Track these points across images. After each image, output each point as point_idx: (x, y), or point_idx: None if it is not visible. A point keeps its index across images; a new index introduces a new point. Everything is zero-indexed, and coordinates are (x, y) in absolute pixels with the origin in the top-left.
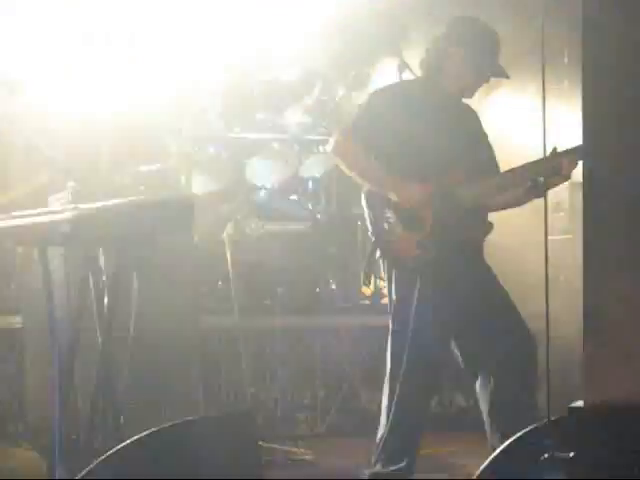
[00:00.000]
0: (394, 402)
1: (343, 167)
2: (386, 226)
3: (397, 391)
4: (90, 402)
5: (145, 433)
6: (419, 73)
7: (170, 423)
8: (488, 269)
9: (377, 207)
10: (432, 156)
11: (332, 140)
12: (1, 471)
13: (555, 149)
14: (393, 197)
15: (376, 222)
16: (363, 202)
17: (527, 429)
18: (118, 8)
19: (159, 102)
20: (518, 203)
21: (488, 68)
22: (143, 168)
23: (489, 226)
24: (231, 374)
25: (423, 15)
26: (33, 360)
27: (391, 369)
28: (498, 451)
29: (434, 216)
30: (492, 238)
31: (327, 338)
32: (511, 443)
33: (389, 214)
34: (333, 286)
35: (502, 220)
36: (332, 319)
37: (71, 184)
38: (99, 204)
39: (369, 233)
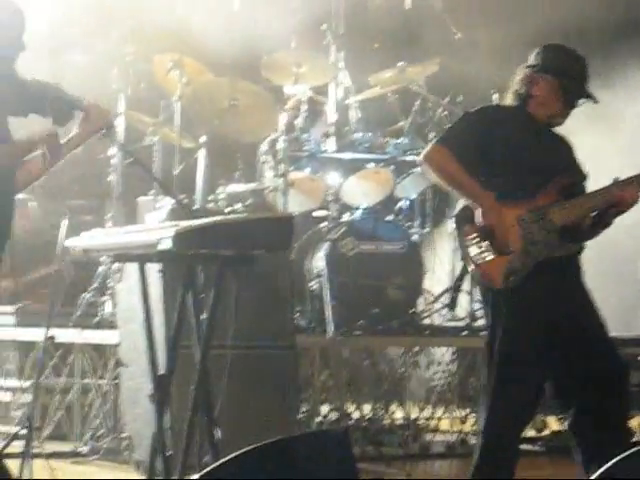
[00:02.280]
0: (489, 424)
1: (431, 173)
2: (475, 249)
3: (491, 415)
4: (187, 418)
5: (242, 450)
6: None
7: (267, 440)
8: (583, 291)
9: (466, 228)
10: (523, 177)
11: (423, 150)
12: None
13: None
14: (478, 207)
15: (465, 244)
16: (452, 224)
17: (625, 454)
18: None
19: (255, 119)
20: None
21: (577, 94)
22: (239, 187)
23: (580, 247)
24: (326, 392)
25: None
26: (129, 376)
27: (487, 393)
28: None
29: (524, 237)
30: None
31: (420, 358)
32: (609, 468)
33: (477, 236)
34: (427, 306)
35: None
36: (426, 339)
37: (169, 202)
38: (198, 221)
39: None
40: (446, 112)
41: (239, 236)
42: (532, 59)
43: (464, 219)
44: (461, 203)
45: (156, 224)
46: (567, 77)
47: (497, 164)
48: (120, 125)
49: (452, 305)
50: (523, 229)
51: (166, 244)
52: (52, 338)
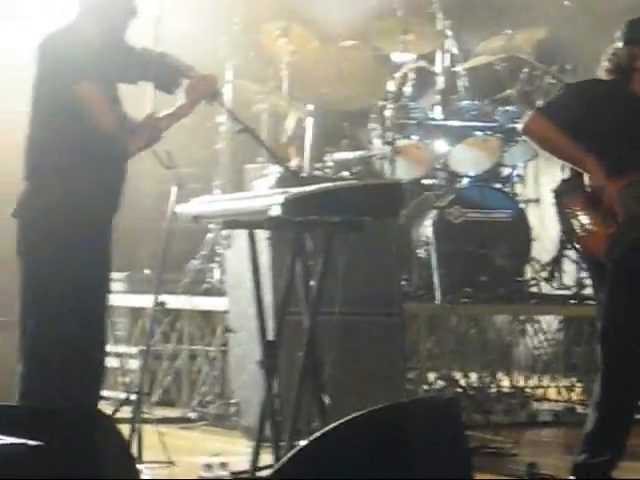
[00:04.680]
0: (603, 396)
1: (534, 143)
2: (577, 221)
3: (605, 385)
4: (296, 384)
5: (351, 416)
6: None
7: (375, 407)
8: None
9: (567, 202)
10: (623, 151)
11: (522, 120)
12: (204, 450)
13: None
14: (585, 173)
15: (566, 217)
16: (552, 197)
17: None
18: None
19: (362, 87)
20: None
21: None
22: (347, 155)
23: None
24: (432, 360)
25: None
26: (237, 342)
27: (600, 363)
28: None
29: (627, 209)
30: None
31: (527, 326)
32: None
33: (580, 208)
34: (534, 275)
35: None
36: (532, 308)
37: (276, 169)
38: (307, 188)
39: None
40: (554, 80)
41: (348, 203)
42: (631, 32)
43: (565, 192)
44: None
45: (265, 191)
46: None
47: (597, 138)
48: (228, 93)
49: (550, 278)
50: (626, 201)
51: (275, 211)
52: (162, 304)
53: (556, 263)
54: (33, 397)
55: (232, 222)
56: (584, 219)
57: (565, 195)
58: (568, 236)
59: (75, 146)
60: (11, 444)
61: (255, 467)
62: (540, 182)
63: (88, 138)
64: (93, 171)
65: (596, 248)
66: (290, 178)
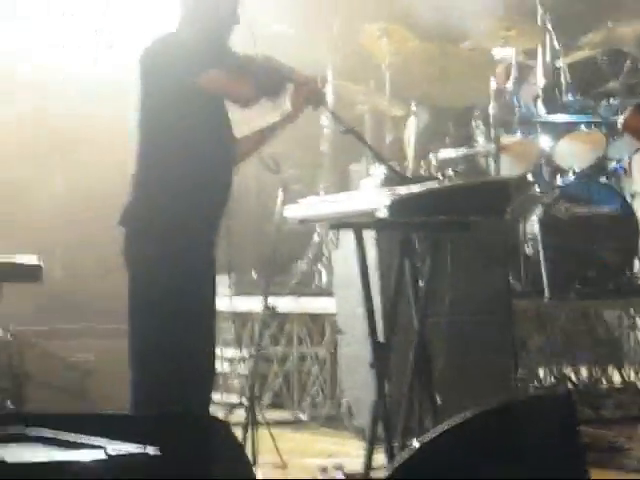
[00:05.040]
0: None
1: (634, 139)
2: None
3: None
4: (407, 384)
5: (464, 415)
6: None
7: (487, 405)
8: None
9: None
10: None
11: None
12: (316, 451)
13: None
14: None
15: None
16: None
17: None
18: None
19: (464, 84)
20: None
21: None
22: (451, 153)
23: None
24: (542, 356)
25: None
26: (347, 343)
27: None
28: None
29: None
30: None
31: (637, 321)
32: None
33: None
34: None
35: None
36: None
37: (381, 169)
38: (414, 188)
39: None
40: None
41: (454, 202)
42: None
43: None
44: None
45: (371, 192)
46: None
47: None
48: (329, 95)
49: None
50: None
51: (382, 212)
52: (273, 308)
53: None
54: (145, 404)
55: (339, 223)
56: None
57: None
58: None
59: (182, 155)
60: (131, 454)
61: (368, 468)
62: None
63: (199, 146)
64: (199, 178)
65: None
66: (395, 178)
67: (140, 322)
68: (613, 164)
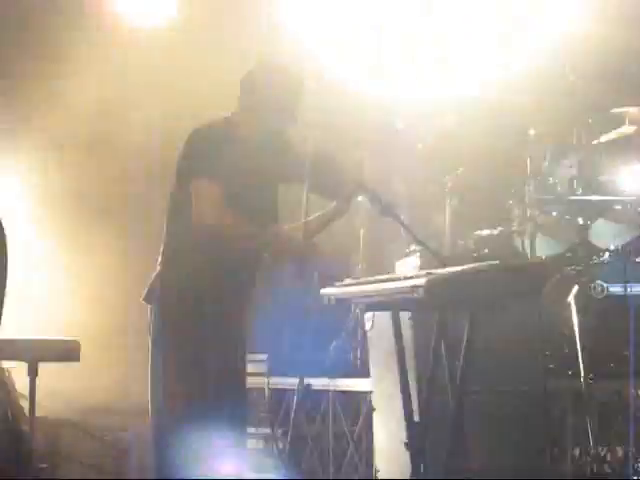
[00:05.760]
0: None
1: None
2: None
3: None
4: (442, 464)
5: None
6: None
7: None
8: None
9: None
10: None
11: None
12: None
13: None
14: None
15: None
16: None
17: None
18: None
19: (505, 166)
20: None
21: None
22: (486, 231)
23: None
24: (578, 436)
25: None
26: (382, 422)
27: None
28: None
29: None
30: None
31: None
32: None
33: None
34: None
35: None
36: None
37: (418, 248)
38: (451, 269)
39: None
40: None
41: (490, 283)
42: None
43: None
44: None
45: (407, 272)
46: None
47: None
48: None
49: None
50: None
51: (419, 293)
52: (308, 386)
53: None
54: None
55: (376, 305)
56: None
57: None
58: None
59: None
60: None
61: None
62: None
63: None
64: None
65: None
66: (432, 258)
67: (167, 402)
68: None
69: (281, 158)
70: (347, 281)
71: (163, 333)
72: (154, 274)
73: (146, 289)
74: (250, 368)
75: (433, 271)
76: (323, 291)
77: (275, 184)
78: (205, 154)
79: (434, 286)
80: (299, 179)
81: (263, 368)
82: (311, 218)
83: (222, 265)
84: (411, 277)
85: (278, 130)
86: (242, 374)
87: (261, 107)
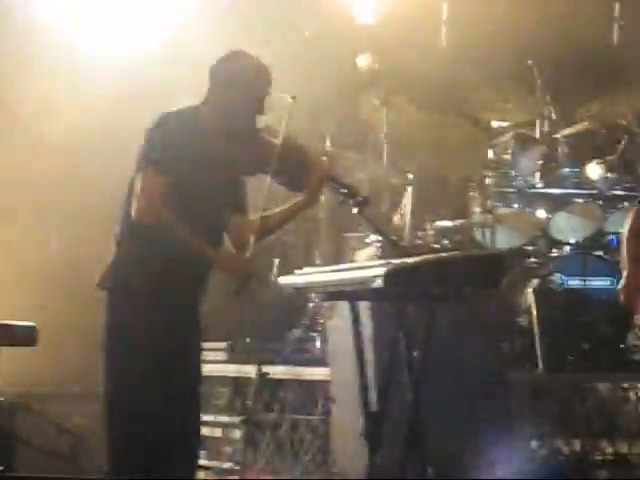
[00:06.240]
0: None
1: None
2: None
3: None
4: (399, 455)
5: None
6: None
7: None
8: None
9: None
10: None
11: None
12: None
13: None
14: None
15: None
16: None
17: None
18: None
19: (462, 155)
20: None
21: None
22: (446, 223)
23: None
24: (535, 428)
25: None
26: (340, 412)
27: None
28: None
29: None
30: None
31: (630, 394)
32: None
33: None
34: (636, 342)
35: None
36: (636, 375)
37: (377, 238)
38: (409, 259)
39: None
40: None
41: (449, 274)
42: None
43: None
44: None
45: (366, 262)
46: None
47: None
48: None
49: None
50: None
51: (378, 283)
52: (265, 374)
53: None
54: (125, 469)
55: (334, 294)
56: None
57: None
58: None
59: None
60: None
61: None
62: None
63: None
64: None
65: None
66: (391, 248)
67: (121, 386)
68: (609, 237)
69: (249, 149)
70: (306, 270)
71: (114, 320)
72: (109, 260)
73: (101, 274)
74: (209, 356)
75: (392, 261)
76: (282, 280)
77: (243, 175)
78: (162, 142)
79: (393, 276)
80: (267, 170)
81: (222, 356)
82: (278, 210)
83: (174, 252)
84: (370, 267)
85: (246, 120)
86: (196, 363)
87: (229, 96)
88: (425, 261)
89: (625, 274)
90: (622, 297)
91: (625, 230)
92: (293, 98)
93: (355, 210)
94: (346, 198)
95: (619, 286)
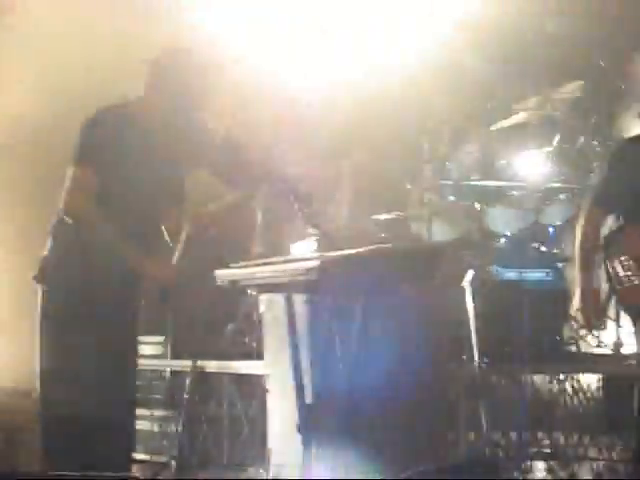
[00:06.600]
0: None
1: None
2: (622, 272)
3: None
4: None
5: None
6: None
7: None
8: None
9: (614, 253)
10: None
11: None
12: None
13: None
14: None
15: (613, 268)
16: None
17: None
18: None
19: (403, 151)
20: None
21: None
22: (384, 216)
23: None
24: (472, 420)
25: None
26: (276, 405)
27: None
28: None
29: None
30: None
31: (566, 385)
32: None
33: (625, 260)
34: (572, 334)
35: None
36: (571, 367)
37: (314, 231)
38: (345, 252)
39: (605, 279)
40: (591, 139)
41: (384, 266)
42: None
43: (613, 241)
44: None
45: (301, 255)
46: None
47: None
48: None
49: (599, 327)
50: None
51: (312, 275)
52: (201, 368)
53: (603, 314)
54: (59, 462)
55: (269, 286)
56: (630, 268)
57: (612, 246)
58: (613, 286)
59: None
60: None
61: None
62: None
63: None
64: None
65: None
66: (327, 241)
67: (55, 379)
68: (545, 229)
69: (187, 144)
70: (242, 263)
71: (48, 315)
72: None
73: (37, 269)
74: (147, 350)
75: (327, 254)
76: (217, 273)
77: (180, 169)
78: (95, 138)
79: (327, 268)
80: (205, 165)
81: (159, 350)
82: (215, 204)
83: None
84: (305, 259)
85: (184, 115)
86: (130, 358)
87: (166, 91)
88: (360, 254)
89: (578, 293)
90: (582, 319)
91: (576, 246)
92: None
93: (296, 206)
94: (287, 194)
95: (575, 307)
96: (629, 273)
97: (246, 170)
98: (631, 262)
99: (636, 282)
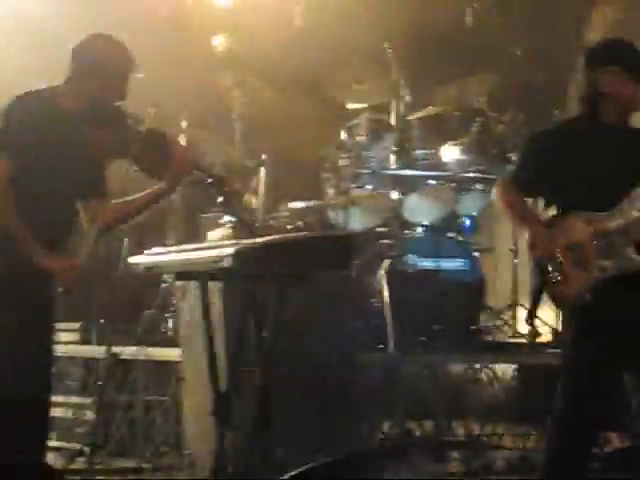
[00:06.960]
0: (551, 444)
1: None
2: (551, 265)
3: (556, 433)
4: (248, 435)
5: (305, 468)
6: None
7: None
8: None
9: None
10: (593, 191)
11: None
12: None
13: None
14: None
15: (541, 260)
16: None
17: None
18: None
19: (321, 140)
20: None
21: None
22: (301, 204)
23: None
24: (387, 409)
25: None
26: (191, 393)
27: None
28: None
29: (598, 253)
30: None
31: (481, 374)
32: None
33: (556, 252)
34: (488, 323)
35: None
36: (487, 356)
37: (231, 219)
38: (259, 240)
39: (533, 271)
40: (507, 129)
41: (298, 255)
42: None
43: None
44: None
45: (217, 242)
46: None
47: (567, 181)
48: (182, 143)
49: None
50: (597, 245)
51: (226, 262)
52: (115, 355)
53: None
54: None
55: (184, 273)
56: (558, 262)
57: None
58: (542, 278)
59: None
60: None
61: None
62: (494, 231)
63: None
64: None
65: (567, 292)
66: (243, 229)
67: None
68: (462, 219)
69: (107, 132)
70: (156, 250)
71: None
72: None
73: None
74: (62, 337)
75: (241, 241)
76: (132, 260)
77: (102, 159)
78: (10, 122)
79: (242, 256)
80: (126, 155)
81: (75, 337)
82: (137, 196)
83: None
84: (220, 246)
85: (104, 104)
86: (45, 344)
87: (87, 78)
88: (274, 241)
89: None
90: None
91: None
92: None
93: (220, 199)
94: (211, 187)
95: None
96: (557, 266)
97: (169, 161)
98: (560, 253)
99: (563, 274)
